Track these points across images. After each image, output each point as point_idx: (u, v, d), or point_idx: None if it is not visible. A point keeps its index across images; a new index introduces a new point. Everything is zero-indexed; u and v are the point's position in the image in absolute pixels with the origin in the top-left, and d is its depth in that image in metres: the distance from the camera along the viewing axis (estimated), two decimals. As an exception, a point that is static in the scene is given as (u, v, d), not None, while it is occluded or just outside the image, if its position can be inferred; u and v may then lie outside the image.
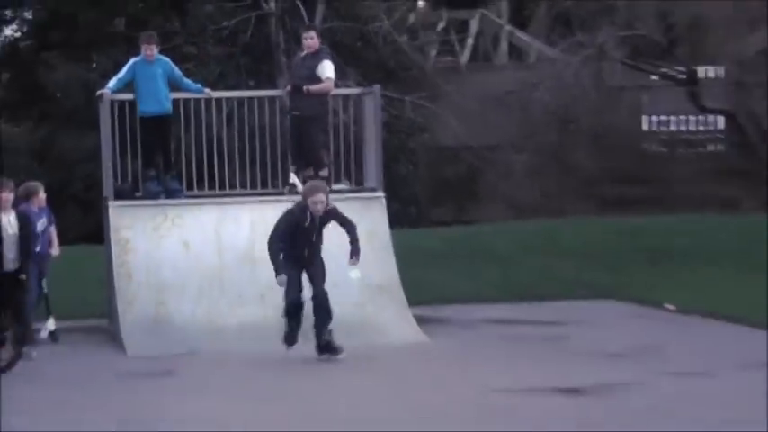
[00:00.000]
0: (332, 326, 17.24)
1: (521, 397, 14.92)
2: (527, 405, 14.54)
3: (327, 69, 20.57)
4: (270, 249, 16.95)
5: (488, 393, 15.05)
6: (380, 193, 20.85)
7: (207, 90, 20.88)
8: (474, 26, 45.95)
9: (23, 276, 17.70)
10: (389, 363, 16.39)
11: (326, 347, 17.08)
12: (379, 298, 19.72)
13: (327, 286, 18.33)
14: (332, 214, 16.80)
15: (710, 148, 41.07)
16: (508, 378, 15.92)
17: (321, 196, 16.63)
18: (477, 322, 20.82)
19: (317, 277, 16.88)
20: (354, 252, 16.91)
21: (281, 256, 17.03)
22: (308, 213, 16.75)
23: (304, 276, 17.45)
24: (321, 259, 17.18)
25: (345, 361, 16.24)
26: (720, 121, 40.08)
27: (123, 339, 18.90)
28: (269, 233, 20.02)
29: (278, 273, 16.91)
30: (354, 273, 16.48)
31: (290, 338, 17.02)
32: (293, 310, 17.00)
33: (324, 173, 20.72)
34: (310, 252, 16.75)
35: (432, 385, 15.95)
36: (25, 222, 18.36)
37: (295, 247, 16.72)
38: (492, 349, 18.65)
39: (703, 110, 40.01)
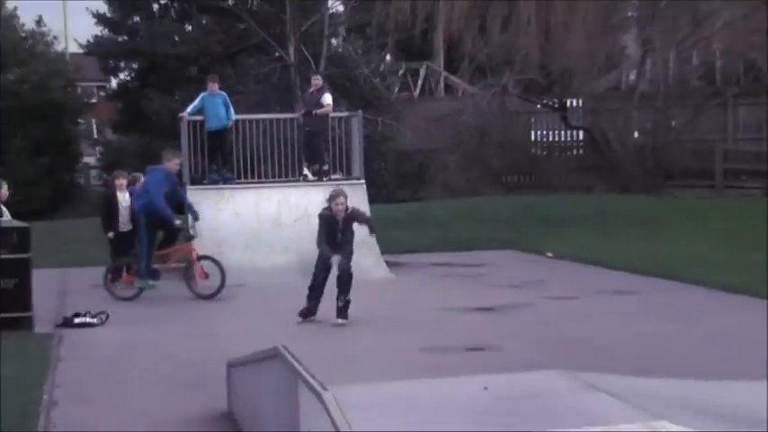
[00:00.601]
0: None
1: (454, 313, 15.06)
2: (458, 318, 14.69)
3: (327, 99, 20.80)
4: (318, 243, 15.29)
5: (433, 311, 15.20)
6: (362, 181, 20.89)
7: (232, 119, 20.83)
8: (422, 72, 45.88)
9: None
10: (369, 291, 16.42)
11: (340, 310, 14.90)
12: (362, 249, 19.76)
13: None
14: (352, 215, 15.28)
15: (575, 152, 41.08)
16: (446, 301, 16.04)
17: (341, 199, 15.07)
18: (425, 265, 20.80)
19: (344, 257, 14.98)
20: (371, 230, 15.79)
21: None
22: (333, 215, 15.23)
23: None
24: (350, 246, 15.31)
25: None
26: (581, 134, 40.10)
27: (195, 275, 19.00)
28: (290, 208, 20.24)
29: (321, 250, 15.16)
30: (371, 236, 16.35)
31: (310, 312, 15.09)
32: (319, 280, 15.16)
33: (325, 167, 20.88)
34: (341, 242, 15.02)
35: (396, 306, 16.08)
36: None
37: (329, 239, 15.08)
38: (435, 283, 18.75)
39: (570, 127, 40.03)
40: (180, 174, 18.75)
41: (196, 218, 17.25)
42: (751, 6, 34.75)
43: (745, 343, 12.15)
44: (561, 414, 5.87)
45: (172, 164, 17.24)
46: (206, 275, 17.07)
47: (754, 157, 35.42)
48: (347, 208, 15.28)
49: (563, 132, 41.01)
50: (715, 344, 12.30)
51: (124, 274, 17.52)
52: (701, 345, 12.27)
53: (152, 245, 17.05)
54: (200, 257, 17.18)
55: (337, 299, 14.97)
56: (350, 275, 15.10)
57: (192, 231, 17.42)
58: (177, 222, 16.76)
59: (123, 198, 18.50)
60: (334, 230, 15.27)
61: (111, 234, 18.38)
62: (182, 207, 17.95)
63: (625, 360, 10.87)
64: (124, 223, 18.30)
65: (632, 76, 40.65)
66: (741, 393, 7.07)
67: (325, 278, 15.30)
